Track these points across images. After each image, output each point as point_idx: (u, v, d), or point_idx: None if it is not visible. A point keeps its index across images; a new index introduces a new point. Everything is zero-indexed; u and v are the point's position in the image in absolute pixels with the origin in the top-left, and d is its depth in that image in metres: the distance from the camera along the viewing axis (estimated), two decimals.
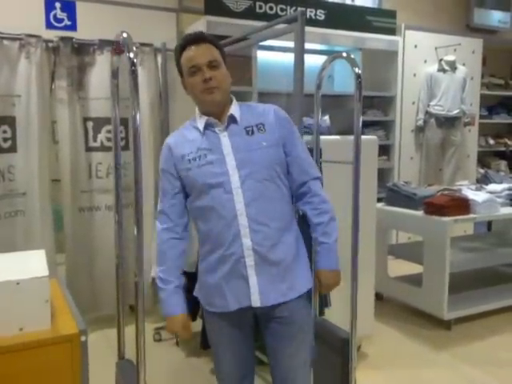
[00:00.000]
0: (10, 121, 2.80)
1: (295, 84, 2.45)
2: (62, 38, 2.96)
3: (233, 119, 1.53)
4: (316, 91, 2.12)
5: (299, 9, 3.86)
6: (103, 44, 3.06)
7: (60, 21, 3.64)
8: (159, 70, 3.33)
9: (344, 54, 1.93)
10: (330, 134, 2.75)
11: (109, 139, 3.10)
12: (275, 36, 3.08)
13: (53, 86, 2.98)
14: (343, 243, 2.30)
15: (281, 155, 1.54)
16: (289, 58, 4.18)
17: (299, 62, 2.46)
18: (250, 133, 1.53)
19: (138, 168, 1.47)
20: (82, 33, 3.35)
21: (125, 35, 1.47)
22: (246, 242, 1.48)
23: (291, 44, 4.05)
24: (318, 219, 1.58)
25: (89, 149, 3.06)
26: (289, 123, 1.59)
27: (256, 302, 1.49)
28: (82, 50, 3.02)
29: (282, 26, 3.00)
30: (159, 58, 3.32)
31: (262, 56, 3.91)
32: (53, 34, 3.03)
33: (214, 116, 1.52)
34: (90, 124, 3.07)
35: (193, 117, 1.58)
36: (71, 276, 3.02)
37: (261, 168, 1.49)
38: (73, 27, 3.67)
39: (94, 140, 3.08)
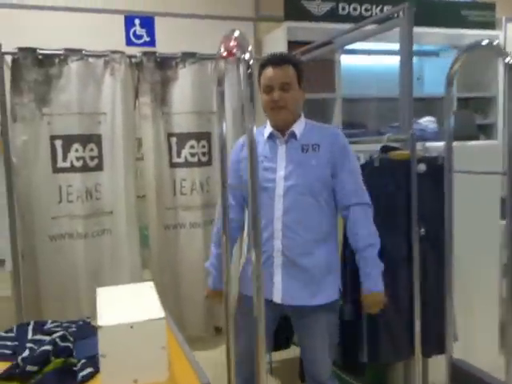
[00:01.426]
0: (96, 139, 2.74)
1: (402, 87, 2.19)
2: (145, 53, 2.87)
3: (293, 135, 1.70)
4: (447, 89, 1.83)
5: (386, 8, 3.57)
6: (185, 57, 2.94)
7: (139, 37, 3.61)
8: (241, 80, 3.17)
9: (484, 43, 1.65)
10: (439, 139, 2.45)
11: (192, 155, 2.97)
12: (365, 37, 2.83)
13: (136, 103, 2.89)
14: (465, 263, 2.01)
15: (326, 175, 1.67)
16: (375, 61, 3.95)
17: (406, 63, 2.20)
18: (305, 151, 1.68)
19: (253, 185, 1.26)
20: (161, 48, 3.27)
21: (237, 34, 1.26)
22: (277, 243, 1.67)
23: (377, 46, 3.79)
24: (356, 244, 1.69)
25: (173, 165, 2.94)
26: (343, 149, 1.71)
27: (277, 298, 1.68)
28: (164, 64, 2.92)
29: (371, 26, 2.77)
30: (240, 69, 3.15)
31: (344, 60, 3.66)
32: (133, 51, 2.95)
33: (280, 129, 1.71)
34: (173, 140, 2.95)
35: (264, 123, 1.77)
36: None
37: (304, 183, 1.63)
38: (152, 43, 3.62)
39: (178, 156, 2.96)
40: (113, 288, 1.32)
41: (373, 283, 1.65)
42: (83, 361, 1.19)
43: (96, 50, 2.75)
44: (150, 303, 1.18)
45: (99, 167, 2.74)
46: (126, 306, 1.18)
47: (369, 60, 3.98)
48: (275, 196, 1.67)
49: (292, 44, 3.37)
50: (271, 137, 1.74)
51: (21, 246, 2.59)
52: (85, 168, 2.69)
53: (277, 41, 3.54)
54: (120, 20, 3.53)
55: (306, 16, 3.55)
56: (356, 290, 1.73)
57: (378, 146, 2.14)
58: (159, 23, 3.61)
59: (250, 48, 1.24)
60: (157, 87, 2.89)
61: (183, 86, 2.94)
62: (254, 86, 1.26)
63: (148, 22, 3.60)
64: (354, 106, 3.60)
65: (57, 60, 2.65)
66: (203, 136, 2.98)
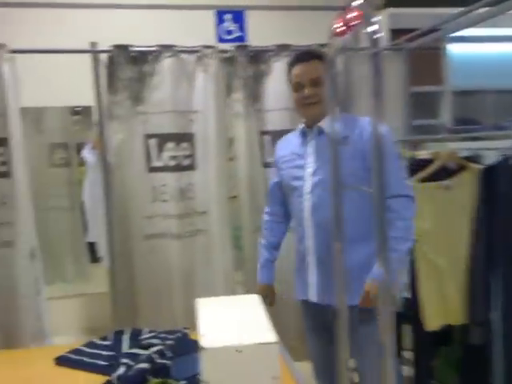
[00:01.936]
0: (189, 138, 2.67)
1: None
2: (238, 47, 2.76)
3: (321, 131, 1.69)
4: None
5: None
6: (279, 50, 2.78)
7: (231, 32, 3.51)
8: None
9: None
10: None
11: None
12: (479, 22, 2.51)
13: (228, 100, 2.78)
14: None
15: (357, 168, 1.59)
16: (486, 49, 3.54)
17: None
18: None
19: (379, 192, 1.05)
20: (253, 43, 3.14)
21: (359, 2, 1.04)
22: (309, 242, 1.69)
23: (488, 32, 3.39)
24: (390, 233, 1.48)
25: (266, 165, 2.79)
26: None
27: (313, 297, 1.71)
28: (257, 58, 2.80)
29: (482, 9, 2.44)
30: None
31: (452, 49, 3.30)
32: (225, 48, 2.84)
33: (310, 126, 1.75)
34: (266, 138, 2.80)
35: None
36: None
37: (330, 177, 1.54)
38: (243, 38, 3.51)
39: (271, 155, 2.80)
40: (214, 300, 1.17)
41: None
42: (183, 382, 1.06)
43: (188, 46, 2.68)
44: (258, 323, 1.02)
45: (192, 166, 2.66)
46: (231, 324, 1.03)
47: (479, 48, 3.58)
48: (303, 194, 1.67)
49: (395, 32, 3.10)
50: (302, 134, 1.77)
51: (117, 245, 2.59)
52: (178, 167, 2.63)
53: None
54: (210, 16, 3.45)
55: (409, 1, 3.25)
56: (487, 310, 1.46)
57: (499, 144, 1.84)
58: (250, 17, 3.50)
59: (377, 18, 1.01)
60: (249, 82, 2.76)
61: (276, 80, 2.78)
62: (381, 72, 1.02)
63: (239, 17, 3.49)
64: (465, 100, 3.24)
65: (150, 57, 2.62)
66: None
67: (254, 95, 2.78)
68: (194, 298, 2.65)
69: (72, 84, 2.83)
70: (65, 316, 2.95)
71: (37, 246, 2.38)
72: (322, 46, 2.84)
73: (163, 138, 2.62)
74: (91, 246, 3.18)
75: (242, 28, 3.52)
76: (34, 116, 3.11)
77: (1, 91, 2.34)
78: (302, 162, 1.72)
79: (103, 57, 2.56)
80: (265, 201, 2.80)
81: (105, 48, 2.54)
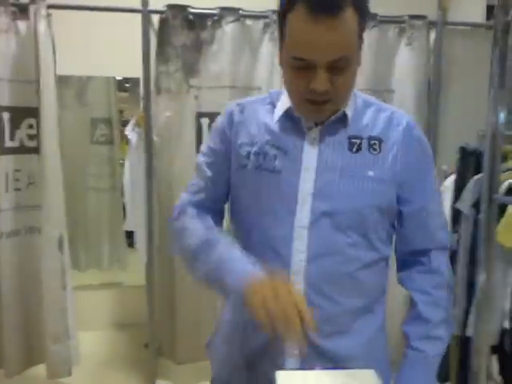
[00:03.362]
0: None
1: None
2: None
3: (342, 120, 0.93)
4: None
5: None
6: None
7: None
8: (431, 51, 2.48)
9: None
10: None
11: None
12: None
13: None
14: None
15: (389, 199, 0.94)
16: None
17: None
18: (356, 148, 0.92)
19: None
20: None
21: None
22: None
23: None
24: (427, 313, 0.96)
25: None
26: (423, 152, 0.97)
27: None
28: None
29: None
30: (432, 35, 2.46)
31: None
32: None
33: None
34: None
35: (281, 90, 0.99)
36: None
37: (350, 209, 0.91)
38: None
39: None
40: (302, 377, 0.74)
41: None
42: None
43: (255, 11, 2.28)
44: None
45: None
46: None
47: None
48: (294, 228, 0.91)
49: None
50: (290, 118, 0.95)
51: (157, 237, 2.27)
52: None
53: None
54: None
55: None
56: None
57: None
58: None
59: None
60: None
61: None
62: None
63: None
64: None
65: (209, 21, 2.24)
66: None
67: None
68: None
69: (118, 51, 2.50)
70: (95, 308, 2.68)
71: (66, 233, 2.07)
72: (417, 17, 2.39)
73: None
74: (129, 233, 2.90)
75: None
76: (76, 87, 2.83)
77: (35, 54, 2.02)
78: (291, 168, 0.95)
79: (155, 19, 2.21)
80: None
81: (158, 8, 2.17)
